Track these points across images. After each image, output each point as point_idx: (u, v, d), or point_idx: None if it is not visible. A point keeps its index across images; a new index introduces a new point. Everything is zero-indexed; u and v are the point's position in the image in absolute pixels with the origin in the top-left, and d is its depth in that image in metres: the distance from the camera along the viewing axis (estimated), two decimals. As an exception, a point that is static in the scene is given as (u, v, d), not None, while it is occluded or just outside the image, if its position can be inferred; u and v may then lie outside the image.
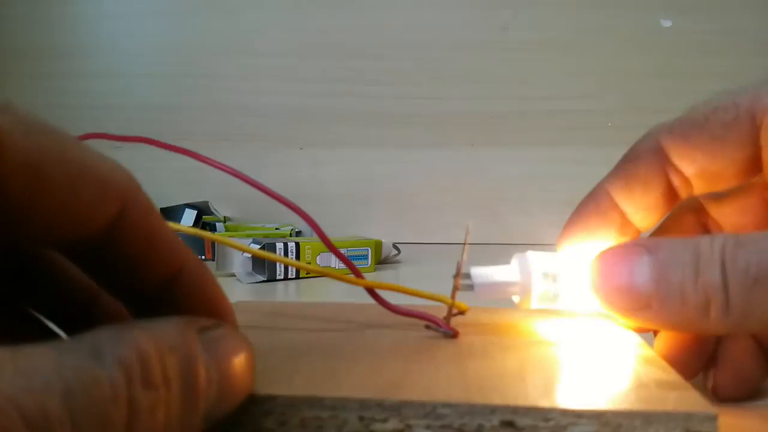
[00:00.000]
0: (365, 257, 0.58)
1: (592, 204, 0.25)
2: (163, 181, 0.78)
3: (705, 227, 0.23)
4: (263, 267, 0.51)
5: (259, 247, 0.52)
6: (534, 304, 0.23)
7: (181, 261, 0.17)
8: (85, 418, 0.11)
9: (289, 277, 0.53)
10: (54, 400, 0.11)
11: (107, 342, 0.12)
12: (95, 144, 0.19)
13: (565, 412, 0.16)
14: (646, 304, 0.19)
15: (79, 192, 0.14)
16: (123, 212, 0.15)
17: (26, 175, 0.13)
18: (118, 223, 0.15)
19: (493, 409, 0.16)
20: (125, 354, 0.12)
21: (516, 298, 0.23)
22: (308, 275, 0.54)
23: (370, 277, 0.26)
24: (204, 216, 0.78)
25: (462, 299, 0.25)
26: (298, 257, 0.53)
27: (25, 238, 0.15)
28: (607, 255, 0.21)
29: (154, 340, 0.13)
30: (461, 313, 0.25)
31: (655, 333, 0.25)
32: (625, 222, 0.24)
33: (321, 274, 0.25)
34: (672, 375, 0.19)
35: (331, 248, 0.23)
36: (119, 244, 0.16)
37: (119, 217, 0.15)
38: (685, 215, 0.25)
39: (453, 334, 0.23)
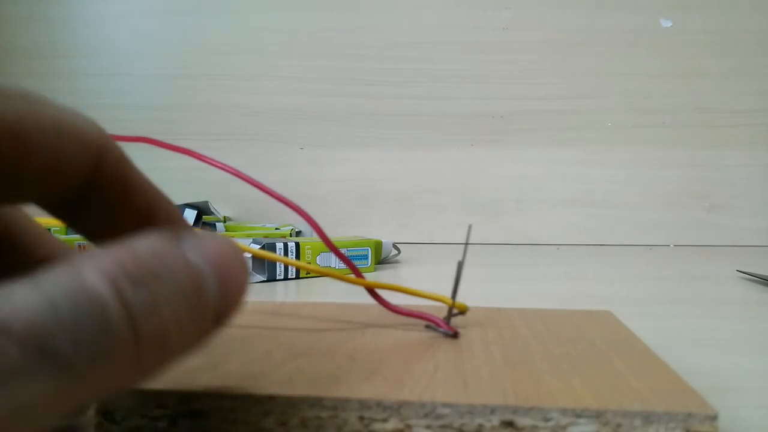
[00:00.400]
0: (365, 257, 0.58)
1: None
2: (163, 181, 0.78)
3: None
4: (263, 267, 0.51)
5: (259, 247, 0.52)
6: None
7: (157, 204, 0.18)
8: (80, 327, 0.11)
9: (289, 277, 0.53)
10: (41, 314, 0.10)
11: (84, 259, 0.12)
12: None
13: (564, 412, 0.16)
14: None
15: (59, 147, 0.15)
16: (99, 161, 0.16)
17: (7, 138, 0.13)
18: (96, 172, 0.16)
19: (492, 409, 0.16)
20: (106, 263, 0.12)
21: None
22: (308, 275, 0.54)
23: (370, 277, 0.26)
24: (204, 216, 0.78)
25: (462, 299, 0.25)
26: (298, 257, 0.53)
27: (9, 196, 0.15)
28: None
29: (133, 248, 0.12)
30: (461, 313, 0.25)
31: None
32: None
33: (321, 274, 0.25)
34: (672, 375, 0.19)
35: (332, 248, 0.23)
36: (98, 191, 0.16)
37: (96, 166, 0.16)
38: None
39: (453, 334, 0.23)
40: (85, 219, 0.17)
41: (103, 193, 0.17)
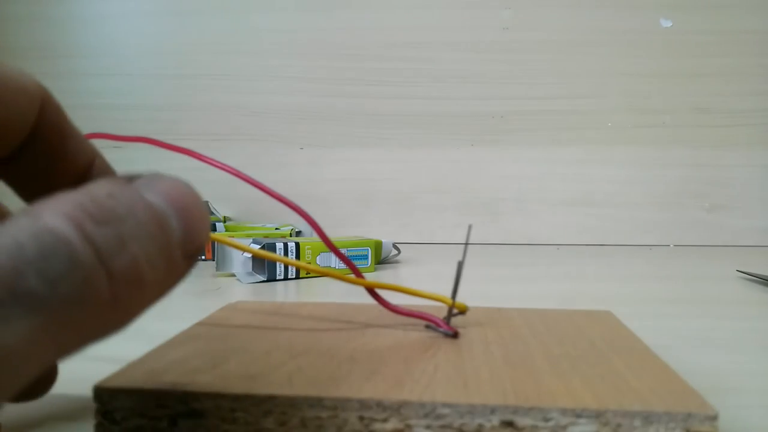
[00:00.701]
0: (365, 257, 0.58)
1: None
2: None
3: None
4: (263, 267, 0.51)
5: (259, 247, 0.52)
6: None
7: (93, 154, 0.18)
8: (49, 265, 0.10)
9: (289, 277, 0.53)
10: (6, 254, 0.10)
11: (41, 205, 0.11)
12: (94, 144, 0.20)
13: (564, 412, 0.16)
14: None
15: (9, 100, 0.15)
16: (42, 112, 0.17)
17: None
18: (38, 123, 0.17)
19: (492, 409, 0.16)
20: (64, 206, 0.11)
21: None
22: (308, 275, 0.54)
23: (370, 277, 0.26)
24: (204, 216, 0.78)
25: (462, 299, 0.25)
26: (298, 257, 0.53)
27: None
28: None
29: (89, 191, 0.12)
30: (461, 313, 0.25)
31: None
32: None
33: (321, 274, 0.25)
34: (672, 375, 0.19)
35: (332, 248, 0.23)
36: (39, 143, 0.17)
37: (40, 116, 0.17)
38: None
39: (453, 334, 0.23)
40: (25, 174, 0.18)
41: (43, 145, 0.17)
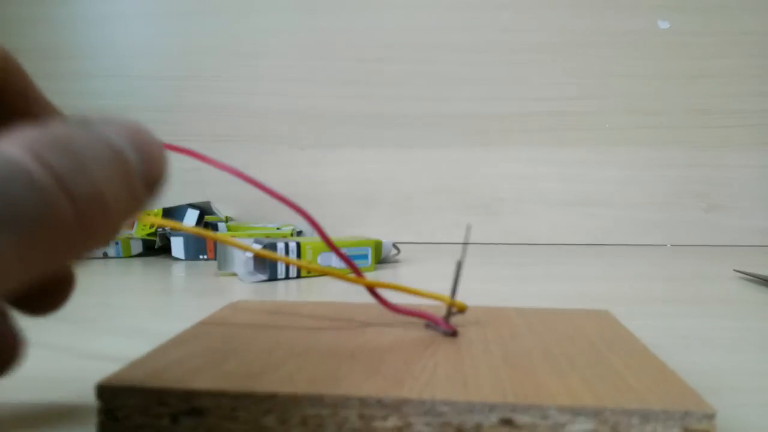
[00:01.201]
0: (365, 257, 0.58)
1: None
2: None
3: None
4: (265, 266, 0.51)
5: (261, 246, 0.52)
6: None
7: (57, 115, 0.18)
8: (6, 189, 0.11)
9: (291, 276, 0.53)
10: None
11: None
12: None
13: (563, 410, 0.16)
14: None
15: None
16: (4, 76, 0.17)
17: None
18: (2, 88, 0.17)
19: (491, 407, 0.16)
20: (21, 137, 0.12)
21: None
22: (309, 275, 0.54)
23: (370, 277, 0.26)
24: (206, 216, 0.78)
25: (462, 299, 0.25)
26: (299, 257, 0.54)
27: None
28: None
29: (45, 126, 0.13)
30: (461, 312, 0.25)
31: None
32: None
33: (322, 274, 0.25)
34: (670, 374, 0.19)
35: (332, 247, 0.23)
36: (3, 108, 0.17)
37: (3, 81, 0.17)
38: None
39: (453, 333, 0.24)
40: None
41: (7, 110, 0.17)
